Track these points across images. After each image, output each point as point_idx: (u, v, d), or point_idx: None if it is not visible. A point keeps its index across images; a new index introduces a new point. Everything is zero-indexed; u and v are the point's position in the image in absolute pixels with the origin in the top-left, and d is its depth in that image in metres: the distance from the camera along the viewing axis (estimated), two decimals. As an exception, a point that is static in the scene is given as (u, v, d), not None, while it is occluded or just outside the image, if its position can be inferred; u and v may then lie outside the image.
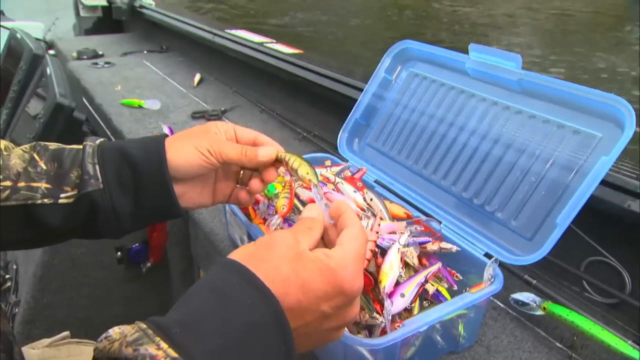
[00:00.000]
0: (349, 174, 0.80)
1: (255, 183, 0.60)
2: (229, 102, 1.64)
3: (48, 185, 0.51)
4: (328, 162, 0.87)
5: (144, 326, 0.34)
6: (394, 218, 0.72)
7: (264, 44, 1.68)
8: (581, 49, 6.92)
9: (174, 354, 0.31)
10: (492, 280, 0.60)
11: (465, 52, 0.76)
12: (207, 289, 0.38)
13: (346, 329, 0.49)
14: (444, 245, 0.66)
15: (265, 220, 0.71)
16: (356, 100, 0.92)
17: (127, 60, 2.18)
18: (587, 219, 0.61)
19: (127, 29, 2.99)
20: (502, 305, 0.73)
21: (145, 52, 2.32)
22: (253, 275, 0.38)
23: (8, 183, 0.50)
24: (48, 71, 1.38)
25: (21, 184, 0.50)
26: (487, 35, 8.02)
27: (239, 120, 1.49)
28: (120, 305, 1.29)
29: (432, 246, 0.66)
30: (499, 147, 0.72)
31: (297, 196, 0.72)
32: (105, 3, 3.06)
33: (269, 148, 0.58)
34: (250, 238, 0.75)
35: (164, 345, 0.32)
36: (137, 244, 1.23)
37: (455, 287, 0.64)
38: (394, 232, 0.66)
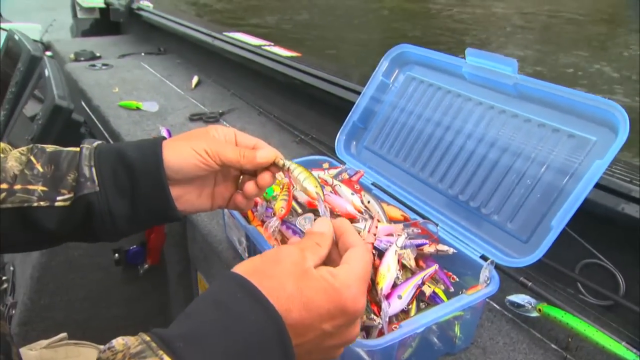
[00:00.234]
0: (347, 176, 0.81)
1: (249, 186, 0.59)
2: (227, 104, 1.65)
3: (44, 188, 0.51)
4: (326, 165, 0.87)
5: (148, 338, 0.34)
6: (391, 220, 0.73)
7: (262, 47, 1.69)
8: (555, 47, 7.19)
9: None
10: (488, 282, 0.61)
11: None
12: (210, 302, 0.38)
13: None
14: (441, 247, 0.66)
15: (263, 222, 0.72)
16: (354, 103, 0.92)
17: (125, 62, 2.18)
18: (581, 221, 0.62)
19: (124, 31, 2.98)
20: (497, 307, 0.74)
21: (142, 54, 2.32)
22: (257, 290, 0.38)
23: (4, 186, 0.50)
24: (46, 73, 1.38)
25: (17, 187, 0.50)
26: (468, 34, 8.20)
27: (237, 123, 1.49)
28: (117, 307, 1.29)
29: (429, 248, 0.66)
30: (495, 150, 0.72)
31: (294, 198, 0.73)
32: (102, 5, 3.06)
33: (267, 150, 0.58)
34: (249, 240, 0.75)
35: (167, 359, 0.32)
36: (135, 246, 1.23)
37: (452, 289, 0.64)
38: (391, 235, 0.67)
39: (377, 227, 0.65)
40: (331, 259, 0.48)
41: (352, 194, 0.72)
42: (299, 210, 0.72)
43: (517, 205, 0.67)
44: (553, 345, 0.67)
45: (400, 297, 0.58)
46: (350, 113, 0.92)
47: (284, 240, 0.70)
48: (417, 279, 0.60)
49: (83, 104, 1.74)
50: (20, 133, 1.42)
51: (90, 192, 0.51)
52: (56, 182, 0.51)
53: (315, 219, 0.65)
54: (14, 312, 1.19)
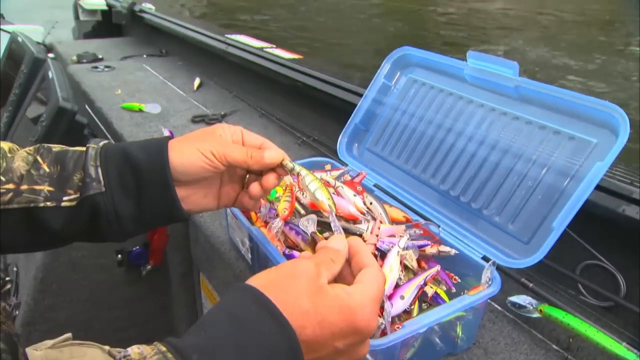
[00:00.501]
0: (349, 178, 0.81)
1: (254, 187, 0.59)
2: (229, 106, 1.65)
3: (51, 188, 0.50)
4: (328, 166, 0.88)
5: (164, 349, 0.34)
6: (394, 222, 0.73)
7: (264, 49, 1.69)
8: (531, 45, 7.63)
9: None
10: (490, 283, 0.61)
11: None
12: (225, 315, 0.38)
13: None
14: (443, 248, 0.67)
15: (266, 223, 0.72)
16: (355, 105, 0.93)
17: (127, 64, 2.19)
18: (582, 223, 0.62)
19: (126, 33, 2.99)
20: (499, 308, 0.74)
21: (144, 56, 2.32)
22: (272, 304, 0.39)
23: (11, 186, 0.49)
24: (50, 75, 1.39)
25: (24, 187, 0.50)
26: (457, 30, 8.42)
27: (239, 125, 1.48)
28: (120, 308, 1.29)
29: (431, 249, 0.67)
30: (497, 152, 0.73)
31: (297, 200, 0.73)
32: (104, 7, 3.08)
33: (275, 151, 0.58)
34: (252, 241, 0.76)
35: None
36: (138, 247, 1.24)
37: (454, 290, 0.65)
38: (393, 236, 0.67)
39: (379, 228, 0.66)
40: (342, 276, 0.48)
41: (355, 195, 0.73)
42: (302, 212, 0.73)
43: (519, 207, 0.68)
44: (554, 346, 0.67)
45: (402, 297, 0.58)
46: (352, 115, 0.93)
47: (287, 241, 0.71)
48: (419, 280, 0.60)
49: (86, 105, 1.75)
50: (24, 135, 1.42)
51: (96, 192, 0.51)
52: (62, 182, 0.51)
53: (317, 220, 0.66)
54: (17, 312, 1.19)
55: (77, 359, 0.74)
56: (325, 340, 0.40)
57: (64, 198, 0.50)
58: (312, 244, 0.66)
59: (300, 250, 0.68)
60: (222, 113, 1.56)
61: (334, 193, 0.73)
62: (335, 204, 0.58)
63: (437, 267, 0.63)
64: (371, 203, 0.74)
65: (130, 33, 2.92)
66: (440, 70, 0.85)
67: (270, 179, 0.58)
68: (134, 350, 0.35)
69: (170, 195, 0.54)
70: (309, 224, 0.65)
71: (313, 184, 0.59)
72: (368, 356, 0.56)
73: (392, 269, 0.60)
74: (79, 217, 0.51)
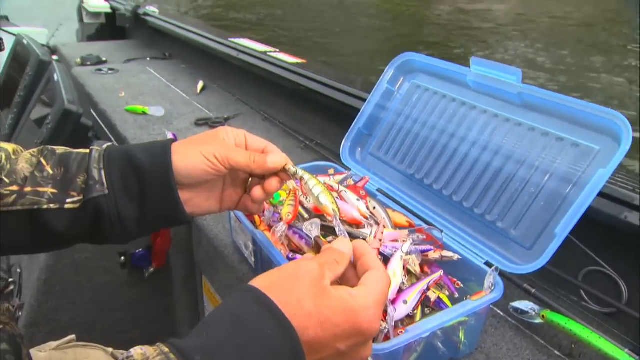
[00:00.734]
0: (352, 182, 0.82)
1: (257, 191, 0.59)
2: (232, 109, 1.66)
3: (54, 190, 0.50)
4: (331, 171, 0.88)
5: (166, 350, 0.35)
6: (397, 226, 0.74)
7: (267, 53, 1.70)
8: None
9: None
10: (493, 288, 0.61)
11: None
12: (227, 316, 0.39)
13: None
14: (446, 253, 0.67)
15: (270, 227, 0.72)
16: (358, 109, 0.94)
17: (131, 66, 2.20)
18: (585, 229, 0.63)
19: (129, 36, 3.01)
20: (501, 314, 0.74)
21: (148, 59, 2.34)
22: (275, 306, 0.39)
23: (15, 188, 0.49)
24: (55, 77, 1.40)
25: (28, 189, 0.50)
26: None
27: (242, 128, 1.46)
28: (123, 310, 1.30)
29: (434, 254, 0.67)
30: (500, 158, 0.73)
31: (301, 204, 0.73)
32: (108, 10, 3.09)
33: (278, 156, 0.58)
34: (255, 244, 0.76)
35: None
36: (141, 249, 1.24)
37: (457, 295, 0.65)
38: (396, 240, 0.68)
39: (382, 233, 0.66)
40: (347, 278, 0.48)
41: (358, 199, 0.73)
42: (306, 216, 0.73)
43: (521, 213, 0.68)
44: (556, 352, 0.67)
45: (405, 302, 0.59)
46: (356, 120, 0.93)
47: (290, 245, 0.71)
48: (422, 285, 0.61)
49: (90, 108, 1.76)
50: (28, 137, 1.43)
51: (100, 195, 0.51)
52: (66, 185, 0.51)
53: (321, 225, 0.67)
54: (20, 313, 1.20)
55: (81, 361, 0.75)
56: (327, 342, 0.40)
57: (68, 200, 0.50)
58: (316, 248, 0.66)
59: (304, 255, 0.69)
60: (225, 116, 1.57)
61: (337, 197, 0.74)
62: (339, 208, 0.59)
63: (440, 272, 0.64)
64: (374, 208, 0.75)
65: (134, 36, 2.94)
66: (444, 76, 0.85)
67: (272, 183, 0.58)
68: (136, 351, 0.35)
69: (173, 198, 0.54)
70: (312, 228, 0.66)
71: (317, 188, 0.59)
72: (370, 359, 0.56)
73: (395, 273, 0.61)
74: (82, 219, 0.51)
